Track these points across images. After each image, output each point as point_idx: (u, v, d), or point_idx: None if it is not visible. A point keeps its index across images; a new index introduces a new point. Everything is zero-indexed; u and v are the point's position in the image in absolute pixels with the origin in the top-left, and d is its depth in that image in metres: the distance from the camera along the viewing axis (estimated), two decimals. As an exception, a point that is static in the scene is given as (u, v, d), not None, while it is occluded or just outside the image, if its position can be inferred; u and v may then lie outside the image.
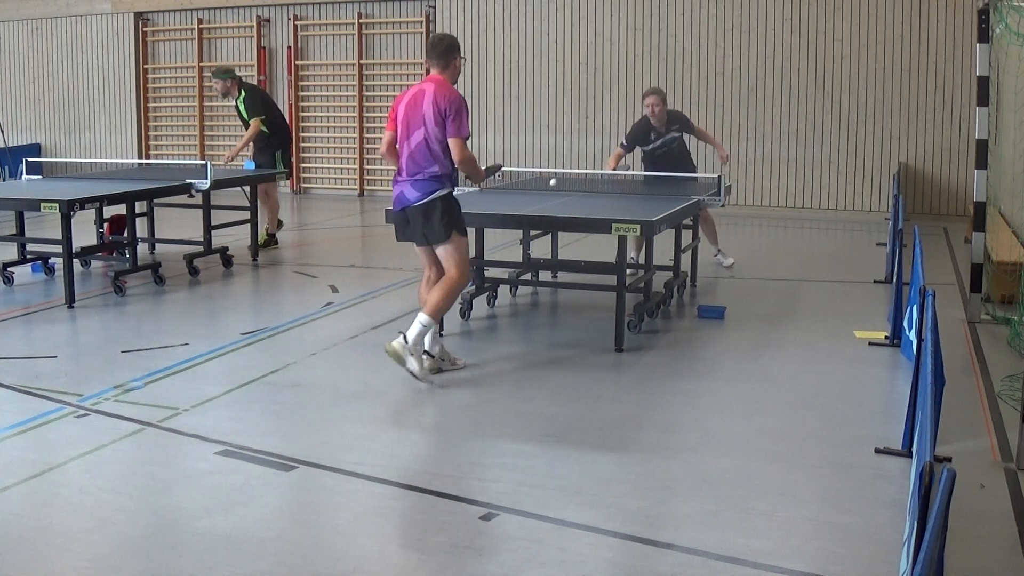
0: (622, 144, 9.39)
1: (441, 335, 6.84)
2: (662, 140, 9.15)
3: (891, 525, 3.97)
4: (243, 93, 10.88)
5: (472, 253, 7.75)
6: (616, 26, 14.66)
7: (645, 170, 9.42)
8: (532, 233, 8.46)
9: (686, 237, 8.85)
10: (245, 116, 10.90)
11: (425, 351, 6.07)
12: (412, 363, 5.91)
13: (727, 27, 14.08)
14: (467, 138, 6.00)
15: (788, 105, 13.94)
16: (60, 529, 4.01)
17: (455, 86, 6.11)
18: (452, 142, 5.91)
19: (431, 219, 5.98)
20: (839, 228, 13.17)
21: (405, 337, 5.91)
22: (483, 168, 6.40)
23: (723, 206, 8.59)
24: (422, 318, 5.99)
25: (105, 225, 9.58)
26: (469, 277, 6.25)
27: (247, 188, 10.28)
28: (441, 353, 6.26)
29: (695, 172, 9.51)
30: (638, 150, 9.37)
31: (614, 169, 9.24)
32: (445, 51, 6.05)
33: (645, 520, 4.12)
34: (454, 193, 6.11)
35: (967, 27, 12.82)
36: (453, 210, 6.05)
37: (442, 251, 6.07)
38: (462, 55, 6.21)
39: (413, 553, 3.85)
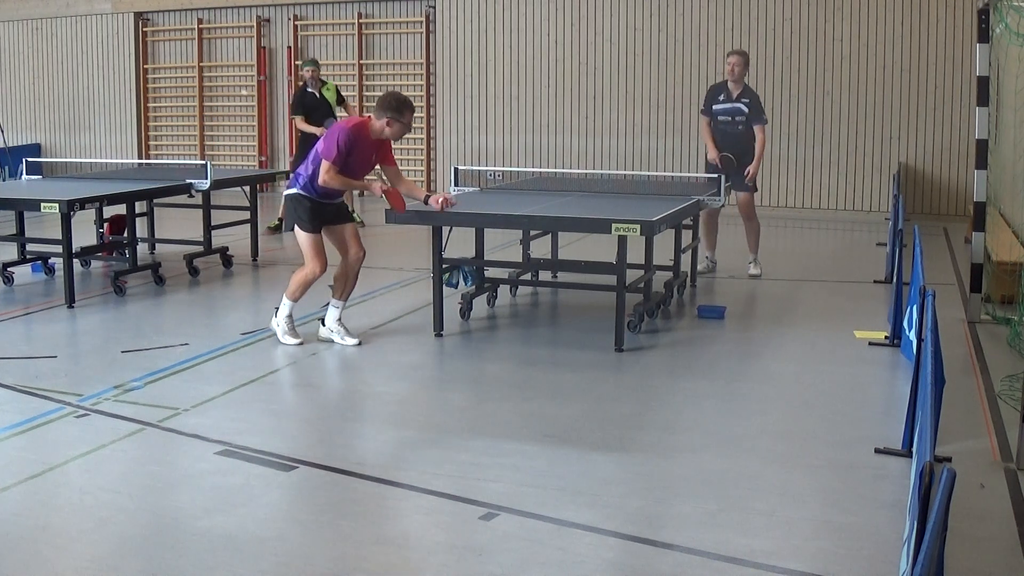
0: (702, 109, 9.48)
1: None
2: (729, 105, 9.13)
3: (891, 525, 3.97)
4: (329, 83, 12.12)
5: (472, 253, 7.79)
6: (616, 26, 14.65)
7: (714, 139, 9.20)
8: (532, 233, 8.46)
9: (686, 237, 8.84)
10: (334, 105, 11.95)
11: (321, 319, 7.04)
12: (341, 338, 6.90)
13: (727, 27, 14.08)
14: (332, 162, 6.52)
15: (788, 105, 13.93)
16: (60, 529, 4.01)
17: (377, 137, 6.63)
18: None
19: (285, 209, 7.10)
20: (839, 228, 13.17)
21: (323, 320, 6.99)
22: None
23: (723, 206, 8.59)
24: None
25: (105, 225, 9.58)
26: (312, 272, 6.78)
27: (247, 188, 10.28)
28: (331, 326, 6.90)
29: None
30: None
31: (709, 136, 9.25)
32: (383, 107, 6.56)
33: (645, 520, 4.12)
34: (305, 196, 6.70)
35: (967, 27, 12.81)
36: (293, 208, 6.80)
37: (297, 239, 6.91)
38: (403, 120, 6.56)
39: (413, 553, 3.85)
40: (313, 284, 6.83)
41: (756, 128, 9.12)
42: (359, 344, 6.81)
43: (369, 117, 6.68)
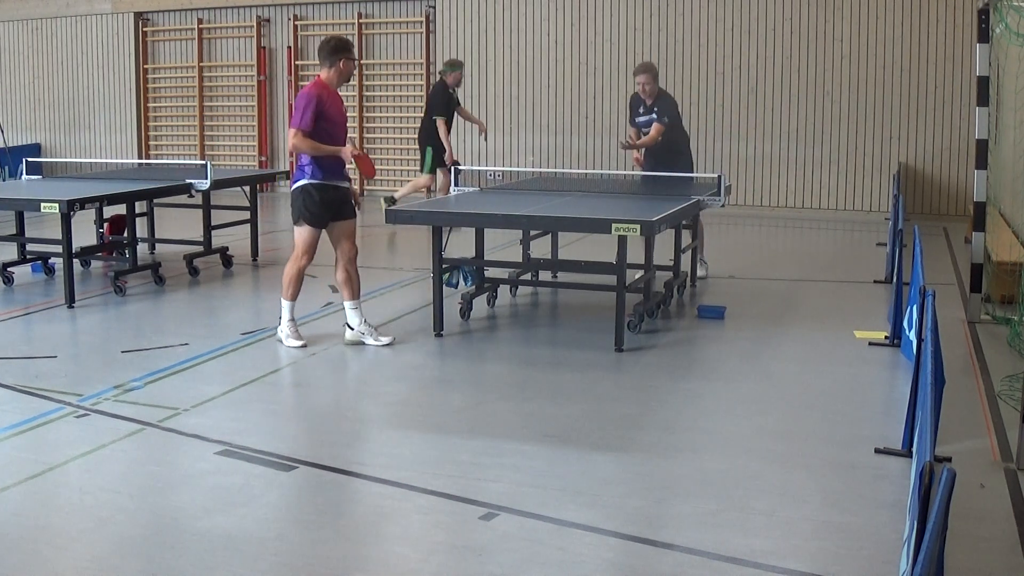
0: (629, 120, 9.40)
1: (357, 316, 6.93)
2: (647, 117, 9.06)
3: (891, 525, 3.97)
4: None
5: (472, 253, 7.80)
6: (616, 26, 14.65)
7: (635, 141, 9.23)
8: (532, 233, 8.46)
9: (686, 237, 8.84)
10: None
11: (347, 323, 6.92)
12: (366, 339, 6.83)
13: (727, 27, 14.08)
14: (306, 131, 6.53)
15: (788, 105, 13.93)
16: (60, 529, 4.01)
17: (338, 86, 6.76)
18: (290, 131, 6.68)
19: (292, 204, 6.80)
20: (839, 228, 13.16)
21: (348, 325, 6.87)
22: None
23: (723, 206, 8.58)
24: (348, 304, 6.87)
25: (105, 225, 9.58)
26: (298, 263, 6.77)
27: (247, 188, 10.29)
28: (359, 328, 6.85)
29: (689, 160, 9.33)
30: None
31: (634, 142, 9.19)
32: (329, 53, 6.68)
33: (645, 520, 4.13)
34: (316, 184, 6.65)
35: (967, 27, 12.81)
36: (302, 200, 6.68)
37: (295, 232, 6.81)
38: (351, 54, 6.75)
39: (413, 553, 3.85)
40: (304, 277, 6.84)
41: (654, 124, 8.97)
42: (392, 342, 6.79)
43: (319, 76, 6.73)
